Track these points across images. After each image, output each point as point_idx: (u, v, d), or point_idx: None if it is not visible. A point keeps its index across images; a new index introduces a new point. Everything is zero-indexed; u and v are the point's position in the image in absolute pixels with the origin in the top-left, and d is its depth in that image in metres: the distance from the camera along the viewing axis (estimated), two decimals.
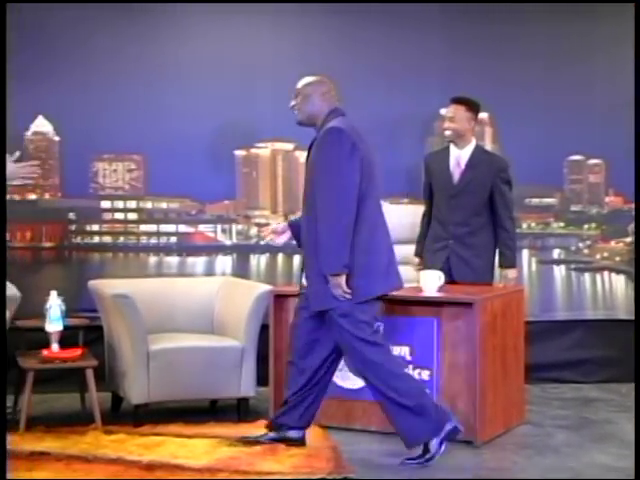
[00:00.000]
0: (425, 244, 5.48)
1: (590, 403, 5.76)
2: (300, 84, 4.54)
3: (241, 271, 6.40)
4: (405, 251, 5.50)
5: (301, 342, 4.49)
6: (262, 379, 5.22)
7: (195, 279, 6.09)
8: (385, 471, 4.32)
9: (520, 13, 6.37)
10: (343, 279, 4.25)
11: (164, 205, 6.43)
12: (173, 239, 6.48)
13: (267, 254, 6.56)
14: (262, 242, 6.41)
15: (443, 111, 5.38)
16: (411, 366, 4.85)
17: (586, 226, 6.71)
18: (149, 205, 6.42)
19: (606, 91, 6.45)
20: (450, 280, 5.20)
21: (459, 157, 5.35)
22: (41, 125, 6.19)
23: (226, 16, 6.27)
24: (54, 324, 5.01)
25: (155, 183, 6.36)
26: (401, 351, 4.88)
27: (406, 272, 5.16)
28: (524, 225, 6.64)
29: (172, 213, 6.42)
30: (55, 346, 5.00)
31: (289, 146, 6.52)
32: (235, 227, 6.53)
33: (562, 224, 6.71)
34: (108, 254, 6.42)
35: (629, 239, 6.61)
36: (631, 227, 6.56)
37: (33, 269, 6.17)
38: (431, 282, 5.00)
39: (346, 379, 4.98)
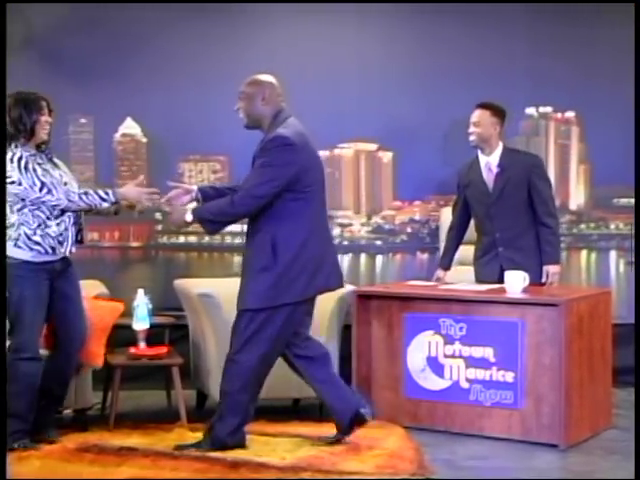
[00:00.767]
0: (474, 259, 5.41)
1: None
2: (242, 86, 4.50)
3: None
4: (465, 252, 5.50)
5: None
6: (344, 379, 5.21)
7: None
8: (468, 473, 4.28)
9: (607, 14, 6.25)
10: None
11: None
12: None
13: (350, 254, 6.57)
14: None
15: (472, 117, 5.27)
16: (495, 368, 4.81)
17: None
18: None
19: None
20: None
21: (489, 163, 5.27)
22: (129, 127, 6.32)
23: (309, 16, 6.30)
24: (141, 322, 5.11)
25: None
26: (484, 353, 4.84)
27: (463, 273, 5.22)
28: (612, 226, 6.52)
29: None
30: (142, 344, 5.09)
31: (372, 146, 6.52)
32: None
33: None
34: (193, 253, 6.51)
35: None
36: None
37: (121, 268, 6.30)
38: (515, 283, 4.95)
39: (429, 380, 4.96)
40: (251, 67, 6.17)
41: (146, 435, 4.70)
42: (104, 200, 4.44)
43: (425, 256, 6.54)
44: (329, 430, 4.75)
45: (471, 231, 5.48)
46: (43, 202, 4.37)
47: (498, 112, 5.27)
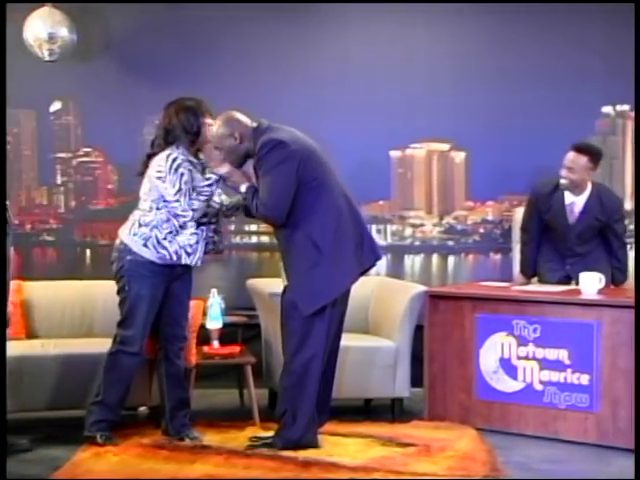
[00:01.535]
0: (540, 260, 5.39)
1: None
2: (214, 141, 4.49)
3: (396, 271, 6.41)
4: None
5: None
6: (416, 380, 5.21)
7: None
8: (542, 476, 4.23)
9: None
10: None
11: None
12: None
13: (422, 255, 6.55)
14: None
15: (567, 161, 5.17)
16: (569, 370, 4.74)
17: None
18: None
19: None
20: None
21: (573, 204, 5.25)
22: None
23: (381, 16, 6.29)
24: (214, 322, 5.17)
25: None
26: (559, 354, 4.77)
27: None
28: None
29: None
30: (215, 343, 5.15)
31: (445, 146, 6.49)
32: (390, 227, 6.54)
33: None
34: (265, 253, 6.55)
35: None
36: None
37: (195, 268, 6.36)
38: (591, 284, 4.87)
39: (501, 382, 4.91)
40: (324, 67, 6.26)
41: (219, 433, 4.75)
42: (209, 184, 4.50)
43: (498, 257, 6.48)
44: (401, 430, 4.75)
45: None
46: (173, 207, 4.48)
47: (595, 158, 5.20)
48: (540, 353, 4.82)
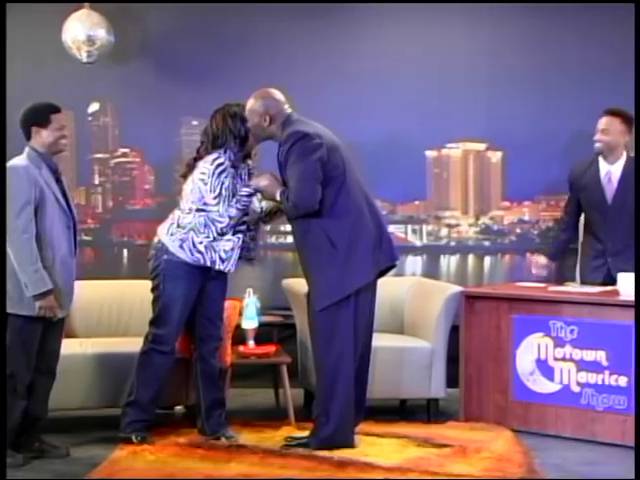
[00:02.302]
0: (582, 259, 5.32)
1: None
2: (246, 109, 4.49)
3: (431, 272, 6.40)
4: None
5: None
6: (452, 380, 5.19)
7: (385, 279, 6.04)
8: (579, 479, 4.20)
9: None
10: None
11: None
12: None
13: (457, 255, 6.53)
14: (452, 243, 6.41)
15: (601, 124, 5.10)
16: (607, 372, 4.70)
17: None
18: None
19: None
20: None
21: (610, 173, 5.12)
22: None
23: (417, 16, 6.28)
24: (250, 321, 5.19)
25: None
26: (596, 356, 4.74)
27: None
28: None
29: None
30: (251, 342, 5.17)
31: (481, 146, 6.46)
32: (425, 228, 6.52)
33: None
34: None
35: None
36: None
37: None
38: (629, 285, 4.82)
39: (538, 383, 4.89)
40: (360, 66, 6.26)
41: (255, 432, 4.77)
42: (249, 194, 4.53)
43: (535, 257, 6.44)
44: (437, 431, 4.74)
45: None
46: (211, 211, 4.51)
47: (628, 120, 5.11)
48: (577, 354, 4.79)
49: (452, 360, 5.18)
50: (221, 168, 4.52)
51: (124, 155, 6.55)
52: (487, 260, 6.47)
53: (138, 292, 5.20)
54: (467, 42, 6.27)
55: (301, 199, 4.32)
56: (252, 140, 4.57)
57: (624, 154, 5.13)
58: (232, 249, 4.57)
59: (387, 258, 4.53)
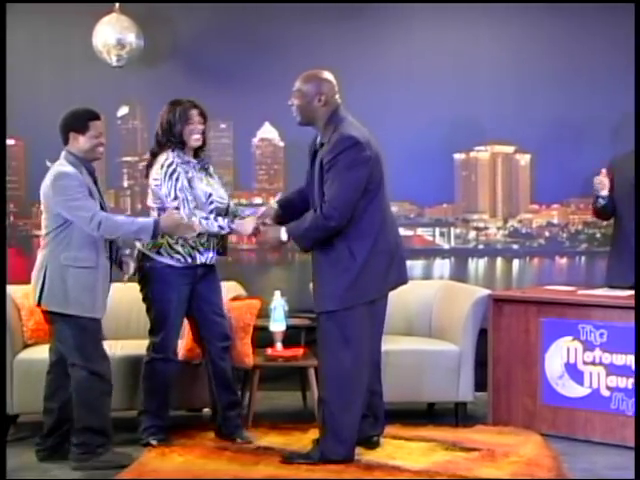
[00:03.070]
0: (610, 260, 5.30)
1: None
2: (298, 82, 4.31)
3: (459, 275, 6.37)
4: None
5: None
6: (480, 384, 5.18)
7: (413, 282, 6.07)
8: None
9: None
10: None
11: None
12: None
13: (485, 258, 6.50)
14: (480, 246, 6.39)
15: None
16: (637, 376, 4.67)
17: None
18: None
19: None
20: None
21: None
22: (267, 131, 6.43)
23: (445, 17, 6.26)
24: (278, 324, 5.20)
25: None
26: (626, 360, 4.70)
27: None
28: None
29: None
30: (279, 345, 5.18)
31: (509, 149, 6.43)
32: (453, 231, 6.50)
33: None
34: None
35: None
36: None
37: (258, 270, 6.41)
38: None
39: (567, 387, 4.86)
40: (388, 68, 6.25)
41: (282, 435, 4.78)
42: (221, 228, 4.52)
43: (564, 261, 6.41)
44: (465, 435, 4.72)
45: None
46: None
47: None
48: (607, 358, 4.76)
49: (480, 364, 5.16)
50: (171, 169, 4.51)
51: None
52: (515, 263, 6.44)
53: None
54: (495, 44, 6.24)
55: (333, 211, 4.19)
56: (301, 118, 4.35)
57: None
58: (207, 240, 4.58)
59: (397, 277, 4.44)
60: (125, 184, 6.56)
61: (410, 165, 6.25)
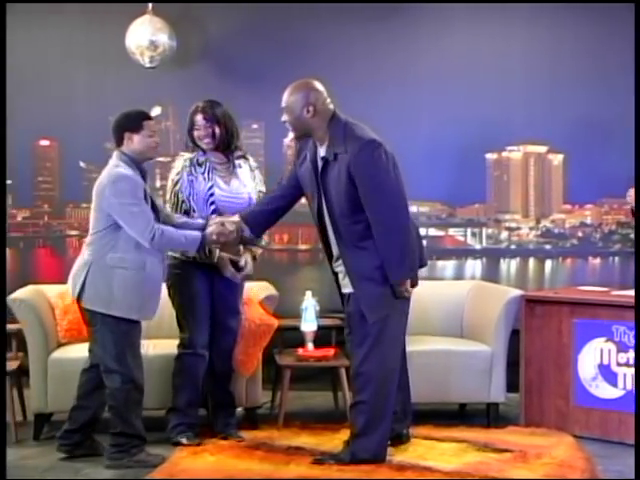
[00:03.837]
0: None
1: None
2: (284, 97, 4.21)
3: (491, 275, 6.35)
4: None
5: None
6: (512, 385, 5.15)
7: (445, 282, 6.10)
8: None
9: None
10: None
11: (415, 209, 6.46)
12: (423, 242, 6.50)
13: (517, 258, 6.47)
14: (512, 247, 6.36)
15: None
16: None
17: None
18: None
19: None
20: None
21: None
22: None
23: (478, 18, 6.24)
24: (309, 324, 5.20)
25: (406, 187, 6.42)
26: None
27: None
28: None
29: (422, 217, 6.46)
30: (310, 345, 5.19)
31: (542, 149, 6.40)
32: (485, 231, 6.48)
33: None
34: None
35: None
36: None
37: (290, 270, 6.42)
38: None
39: (600, 389, 4.82)
40: (421, 69, 6.24)
41: (314, 435, 4.78)
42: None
43: (597, 261, 6.36)
44: (497, 436, 4.69)
45: None
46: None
47: None
48: None
49: (512, 364, 5.13)
50: (176, 179, 4.63)
51: None
52: (548, 264, 6.41)
53: None
54: (527, 43, 6.22)
55: (398, 211, 4.15)
56: (296, 132, 4.27)
57: None
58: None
59: (419, 261, 4.44)
60: (158, 184, 6.59)
61: (442, 165, 6.24)
